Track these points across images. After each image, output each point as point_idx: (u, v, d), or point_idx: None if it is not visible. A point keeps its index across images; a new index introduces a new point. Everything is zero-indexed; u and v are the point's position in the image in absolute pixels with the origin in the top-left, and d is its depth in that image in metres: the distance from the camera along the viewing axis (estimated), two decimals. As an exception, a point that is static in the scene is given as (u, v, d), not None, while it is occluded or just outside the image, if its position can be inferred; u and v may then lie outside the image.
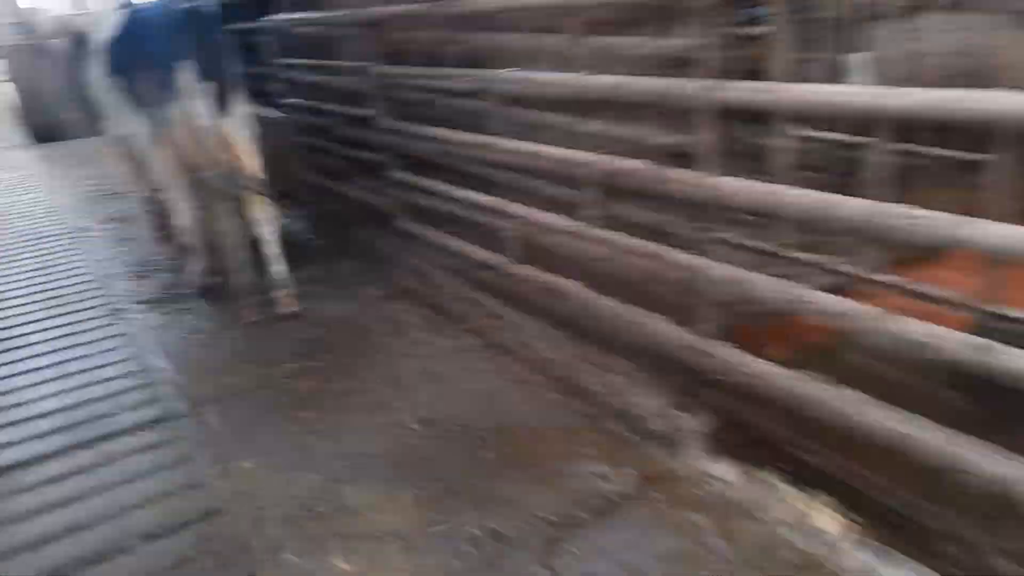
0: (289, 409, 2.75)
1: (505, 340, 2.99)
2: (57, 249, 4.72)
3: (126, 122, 3.51)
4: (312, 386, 2.92)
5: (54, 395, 2.90)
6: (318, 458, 2.46)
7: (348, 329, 3.38)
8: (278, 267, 3.53)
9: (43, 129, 8.74)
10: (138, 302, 3.78)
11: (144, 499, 2.29)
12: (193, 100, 3.12)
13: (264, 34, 4.51)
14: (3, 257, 4.61)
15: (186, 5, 3.31)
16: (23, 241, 4.93)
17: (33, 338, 3.42)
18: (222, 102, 3.27)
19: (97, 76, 3.64)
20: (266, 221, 3.47)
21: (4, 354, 3.27)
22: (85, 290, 3.98)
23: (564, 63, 2.33)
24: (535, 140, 2.59)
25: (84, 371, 3.07)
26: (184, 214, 3.60)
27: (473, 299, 3.17)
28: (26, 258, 4.58)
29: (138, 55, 3.23)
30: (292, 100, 4.38)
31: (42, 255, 4.61)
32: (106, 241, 4.82)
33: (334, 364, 3.07)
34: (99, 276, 4.18)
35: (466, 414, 2.64)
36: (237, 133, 3.32)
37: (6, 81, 8.91)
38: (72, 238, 4.93)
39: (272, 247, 3.49)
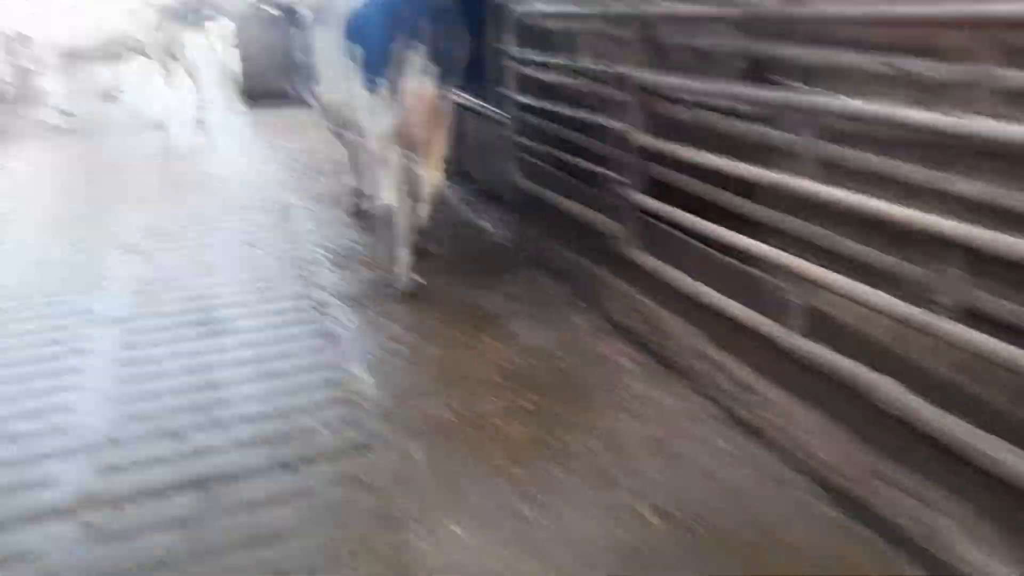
0: (501, 460, 2.41)
1: (757, 420, 2.48)
2: (263, 225, 4.72)
3: (349, 91, 3.52)
4: (523, 434, 2.56)
5: (257, 398, 2.73)
6: (538, 538, 2.08)
7: (556, 365, 3.01)
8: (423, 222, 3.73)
9: (260, 95, 9.14)
10: (341, 297, 3.61)
11: (361, 547, 2.01)
12: (418, 75, 3.24)
13: (497, 20, 4.21)
14: (214, 227, 4.67)
15: None
16: (232, 211, 4.99)
17: (239, 324, 3.33)
18: (440, 81, 3.35)
19: (327, 45, 3.68)
20: (429, 196, 3.63)
21: (213, 338, 3.18)
22: (289, 276, 3.89)
23: (921, 96, 1.77)
24: (852, 187, 2.03)
25: (287, 374, 2.90)
26: (391, 192, 3.54)
27: (716, 360, 2.66)
28: (234, 230, 4.61)
29: (374, 27, 3.30)
30: (517, 96, 4.05)
31: (249, 230, 4.61)
32: (310, 221, 4.77)
33: (545, 409, 2.69)
34: (303, 261, 4.09)
35: (713, 512, 2.16)
36: (442, 112, 3.44)
37: (235, 46, 9.37)
38: (278, 214, 4.92)
39: (421, 219, 3.69)
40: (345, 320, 3.37)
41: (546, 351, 3.13)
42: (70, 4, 7.31)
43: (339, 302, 3.56)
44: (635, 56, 2.94)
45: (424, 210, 3.73)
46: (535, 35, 3.95)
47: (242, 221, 4.77)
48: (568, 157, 3.68)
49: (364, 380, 2.86)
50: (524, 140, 4.04)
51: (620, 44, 3.05)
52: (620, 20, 3.02)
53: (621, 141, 3.13)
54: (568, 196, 3.73)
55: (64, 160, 6.46)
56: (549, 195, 3.92)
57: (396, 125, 3.34)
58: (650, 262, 3.10)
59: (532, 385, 2.85)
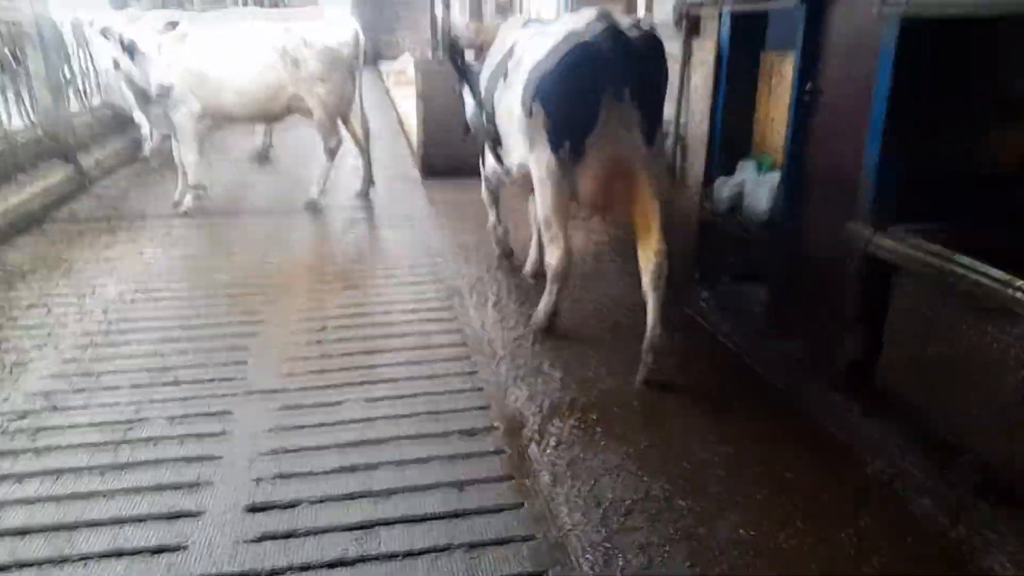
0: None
1: None
2: (465, 436, 2.30)
3: (536, 153, 3.02)
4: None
5: None
6: None
7: None
8: (657, 329, 2.96)
9: (441, 165, 6.99)
10: None
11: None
12: (620, 132, 2.80)
13: None
14: (382, 445, 2.28)
15: (634, 31, 2.82)
16: (405, 400, 2.66)
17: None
18: (646, 139, 2.87)
19: (506, 103, 3.19)
20: (655, 277, 2.98)
21: None
22: None
23: None
24: None
25: None
26: (556, 259, 3.13)
27: None
28: (421, 454, 2.22)
29: (570, 81, 2.80)
30: None
31: (443, 456, 2.20)
32: (546, 431, 2.30)
33: None
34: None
35: None
36: (649, 176, 2.89)
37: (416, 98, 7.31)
38: (493, 419, 2.51)
39: (654, 300, 2.98)
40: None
41: None
42: (215, 52, 5.44)
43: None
44: None
45: (655, 307, 2.96)
46: None
47: (426, 431, 2.41)
48: None
49: None
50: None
51: None
52: None
53: None
54: None
55: (172, 271, 4.43)
56: None
57: (573, 194, 2.99)
58: None
59: None
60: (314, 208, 5.85)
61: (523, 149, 3.11)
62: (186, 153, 5.66)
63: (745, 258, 3.61)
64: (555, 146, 2.89)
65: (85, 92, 7.37)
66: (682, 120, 3.92)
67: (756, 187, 3.27)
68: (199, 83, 5.43)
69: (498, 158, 3.59)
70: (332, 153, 5.95)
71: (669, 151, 4.06)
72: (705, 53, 3.63)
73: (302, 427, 2.66)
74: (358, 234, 5.23)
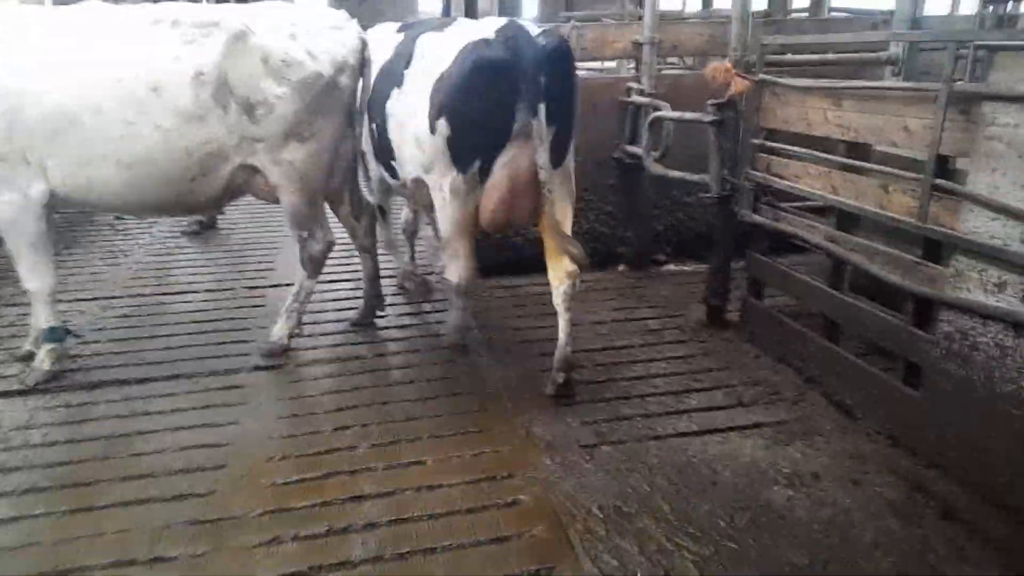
0: None
1: None
2: None
3: (439, 172, 2.78)
4: None
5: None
6: None
7: None
8: (568, 348, 2.95)
9: (485, 249, 4.31)
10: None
11: None
12: (532, 147, 2.63)
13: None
14: None
15: (543, 40, 2.61)
16: None
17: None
18: (557, 153, 2.72)
19: (406, 113, 2.87)
20: (567, 297, 2.90)
21: None
22: None
23: None
24: None
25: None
26: (456, 273, 2.91)
27: None
28: None
29: (482, 95, 2.64)
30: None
31: None
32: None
33: None
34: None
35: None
36: (561, 190, 2.82)
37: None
38: None
39: (566, 321, 2.92)
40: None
41: None
42: (80, 81, 2.74)
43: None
44: None
45: (566, 326, 2.93)
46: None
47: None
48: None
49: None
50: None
51: None
52: None
53: None
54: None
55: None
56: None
57: (473, 212, 2.80)
58: None
59: None
60: (277, 361, 3.19)
61: (421, 164, 2.86)
62: (27, 273, 2.95)
63: None
64: (463, 166, 2.70)
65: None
66: None
67: None
68: (47, 143, 2.74)
69: (391, 170, 3.22)
70: (315, 264, 3.30)
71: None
72: None
73: None
74: (363, 453, 2.55)
